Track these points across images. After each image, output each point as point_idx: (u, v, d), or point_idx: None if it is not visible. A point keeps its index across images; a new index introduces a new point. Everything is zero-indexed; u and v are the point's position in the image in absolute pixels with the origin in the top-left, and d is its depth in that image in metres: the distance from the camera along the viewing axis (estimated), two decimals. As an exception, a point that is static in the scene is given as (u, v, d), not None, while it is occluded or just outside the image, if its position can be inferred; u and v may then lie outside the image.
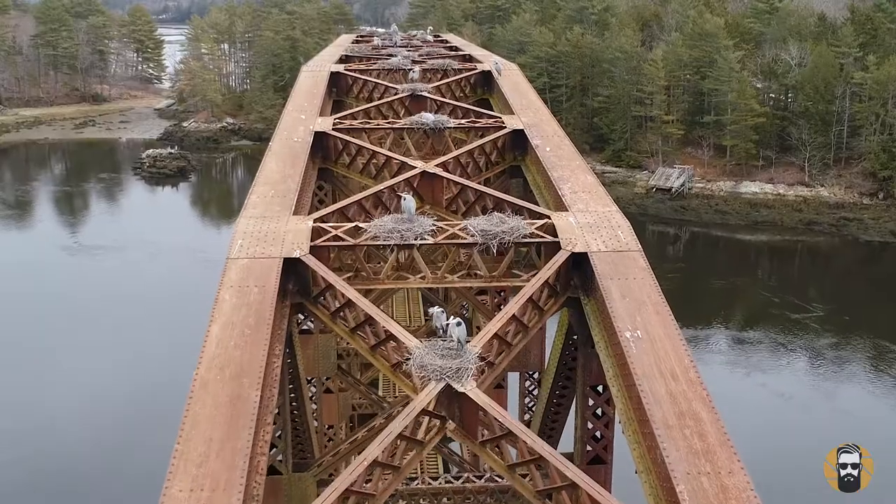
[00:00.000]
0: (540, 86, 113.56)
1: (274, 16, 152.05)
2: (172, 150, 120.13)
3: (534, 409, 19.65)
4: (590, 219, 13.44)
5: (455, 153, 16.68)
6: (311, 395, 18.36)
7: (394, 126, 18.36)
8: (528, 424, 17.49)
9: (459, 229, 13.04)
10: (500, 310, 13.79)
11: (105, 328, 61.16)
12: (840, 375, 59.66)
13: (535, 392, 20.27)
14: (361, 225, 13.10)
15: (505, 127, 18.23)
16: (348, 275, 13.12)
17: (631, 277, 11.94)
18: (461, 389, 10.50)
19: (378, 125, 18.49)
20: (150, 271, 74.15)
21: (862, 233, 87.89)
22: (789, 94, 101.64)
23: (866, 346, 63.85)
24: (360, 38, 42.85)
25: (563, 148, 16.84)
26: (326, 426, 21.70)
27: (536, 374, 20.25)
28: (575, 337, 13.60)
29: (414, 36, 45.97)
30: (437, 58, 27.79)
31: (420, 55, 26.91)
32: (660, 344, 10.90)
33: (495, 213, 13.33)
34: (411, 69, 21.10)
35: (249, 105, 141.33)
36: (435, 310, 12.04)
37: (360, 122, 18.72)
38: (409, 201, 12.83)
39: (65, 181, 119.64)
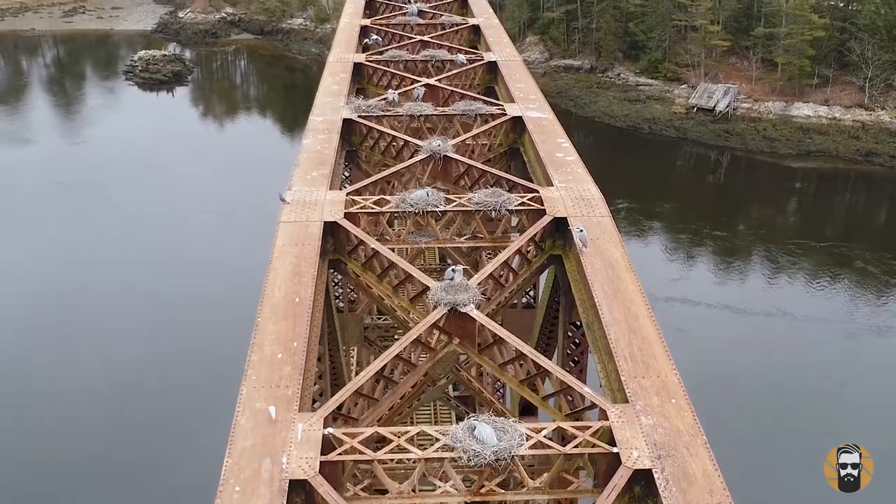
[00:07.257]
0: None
1: None
2: (167, 53, 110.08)
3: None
4: None
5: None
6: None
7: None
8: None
9: None
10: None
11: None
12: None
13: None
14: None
15: (608, 425, 10.44)
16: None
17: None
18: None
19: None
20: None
21: (928, 166, 79.20)
22: (852, 3, 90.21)
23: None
24: (369, 9, 34.30)
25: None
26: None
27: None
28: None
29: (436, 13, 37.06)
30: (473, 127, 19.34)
31: (453, 134, 18.44)
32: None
33: None
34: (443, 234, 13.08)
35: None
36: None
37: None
38: None
39: (48, 86, 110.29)
